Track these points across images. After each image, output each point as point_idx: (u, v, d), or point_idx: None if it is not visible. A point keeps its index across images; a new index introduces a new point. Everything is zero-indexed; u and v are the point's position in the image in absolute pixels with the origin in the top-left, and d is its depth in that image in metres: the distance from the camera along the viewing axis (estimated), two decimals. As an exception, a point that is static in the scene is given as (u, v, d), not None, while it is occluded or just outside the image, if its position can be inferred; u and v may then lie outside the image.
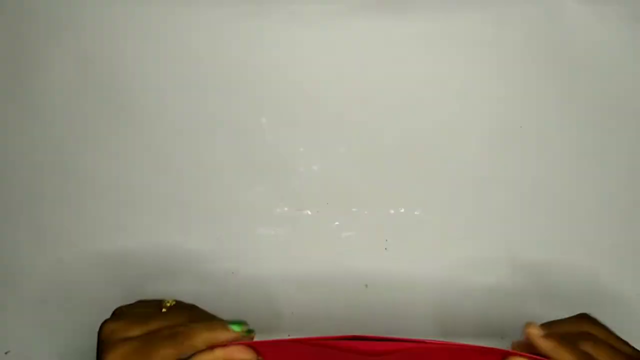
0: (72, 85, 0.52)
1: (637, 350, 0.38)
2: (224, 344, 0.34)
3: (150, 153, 0.52)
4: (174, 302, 0.39)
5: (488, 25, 0.50)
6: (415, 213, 0.52)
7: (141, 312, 0.37)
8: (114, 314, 0.38)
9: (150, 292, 0.51)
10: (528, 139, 0.51)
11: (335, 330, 0.46)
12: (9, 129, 0.52)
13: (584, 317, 0.40)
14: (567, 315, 0.40)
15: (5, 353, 0.52)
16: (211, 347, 0.34)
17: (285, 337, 0.50)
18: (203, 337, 0.35)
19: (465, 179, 0.51)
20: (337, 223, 0.52)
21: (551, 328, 0.38)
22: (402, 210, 0.52)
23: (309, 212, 0.52)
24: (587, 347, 0.37)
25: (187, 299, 0.51)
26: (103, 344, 0.36)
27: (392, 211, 0.52)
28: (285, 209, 0.52)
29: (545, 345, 0.36)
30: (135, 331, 0.36)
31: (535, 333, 0.36)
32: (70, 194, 0.52)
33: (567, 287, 0.51)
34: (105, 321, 0.37)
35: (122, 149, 0.52)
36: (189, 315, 0.37)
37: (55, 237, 0.52)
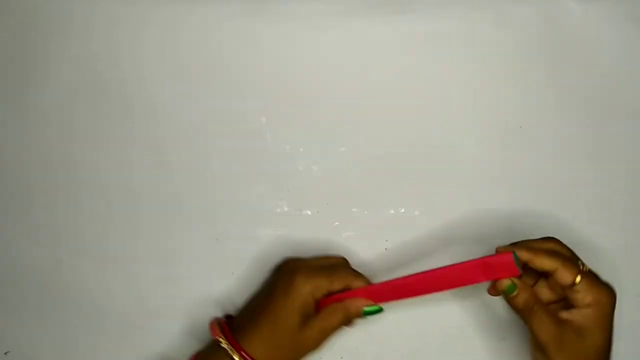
0: (73, 85, 0.52)
1: (595, 274, 0.42)
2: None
3: (150, 153, 0.52)
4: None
5: (488, 25, 0.51)
6: (415, 213, 0.52)
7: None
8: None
9: (150, 292, 0.51)
10: (528, 139, 0.51)
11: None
12: (9, 129, 0.52)
13: (551, 239, 0.44)
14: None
15: (5, 353, 0.52)
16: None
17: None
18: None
19: (466, 179, 0.51)
20: (337, 223, 0.52)
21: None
22: (402, 210, 0.52)
23: (309, 212, 0.52)
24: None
25: (186, 299, 0.51)
26: (289, 269, 0.47)
27: (392, 211, 0.52)
28: (285, 209, 0.52)
29: (521, 253, 0.41)
30: (313, 262, 0.48)
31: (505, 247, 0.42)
32: (71, 194, 0.52)
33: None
34: (286, 259, 0.49)
35: (122, 149, 0.52)
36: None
37: (55, 237, 0.52)
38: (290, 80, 0.51)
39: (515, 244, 0.42)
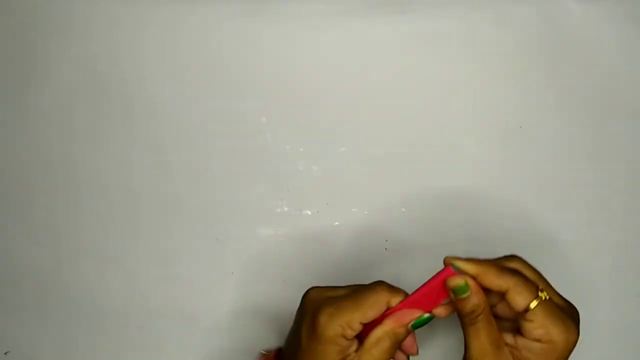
0: (73, 85, 0.52)
1: (565, 300, 0.37)
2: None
3: (150, 153, 0.52)
4: None
5: (488, 25, 0.51)
6: (415, 213, 0.52)
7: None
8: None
9: (150, 292, 0.51)
10: (528, 139, 0.51)
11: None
12: (9, 129, 0.52)
13: (514, 257, 0.38)
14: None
15: (5, 353, 0.52)
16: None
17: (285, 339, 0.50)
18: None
19: (465, 179, 0.51)
20: (337, 223, 0.52)
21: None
22: (403, 210, 0.52)
23: (309, 212, 0.52)
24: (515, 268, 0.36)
25: (186, 299, 0.51)
26: (311, 305, 0.38)
27: (392, 211, 0.52)
28: (285, 209, 0.52)
29: (468, 266, 0.36)
30: (340, 291, 0.39)
31: (454, 259, 0.36)
32: (71, 194, 0.52)
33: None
34: (309, 289, 0.40)
35: (122, 149, 0.52)
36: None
37: (55, 237, 0.52)
38: (290, 80, 0.51)
39: (468, 259, 0.37)
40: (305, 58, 0.51)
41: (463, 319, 0.36)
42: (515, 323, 0.36)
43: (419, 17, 0.51)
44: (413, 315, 0.37)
